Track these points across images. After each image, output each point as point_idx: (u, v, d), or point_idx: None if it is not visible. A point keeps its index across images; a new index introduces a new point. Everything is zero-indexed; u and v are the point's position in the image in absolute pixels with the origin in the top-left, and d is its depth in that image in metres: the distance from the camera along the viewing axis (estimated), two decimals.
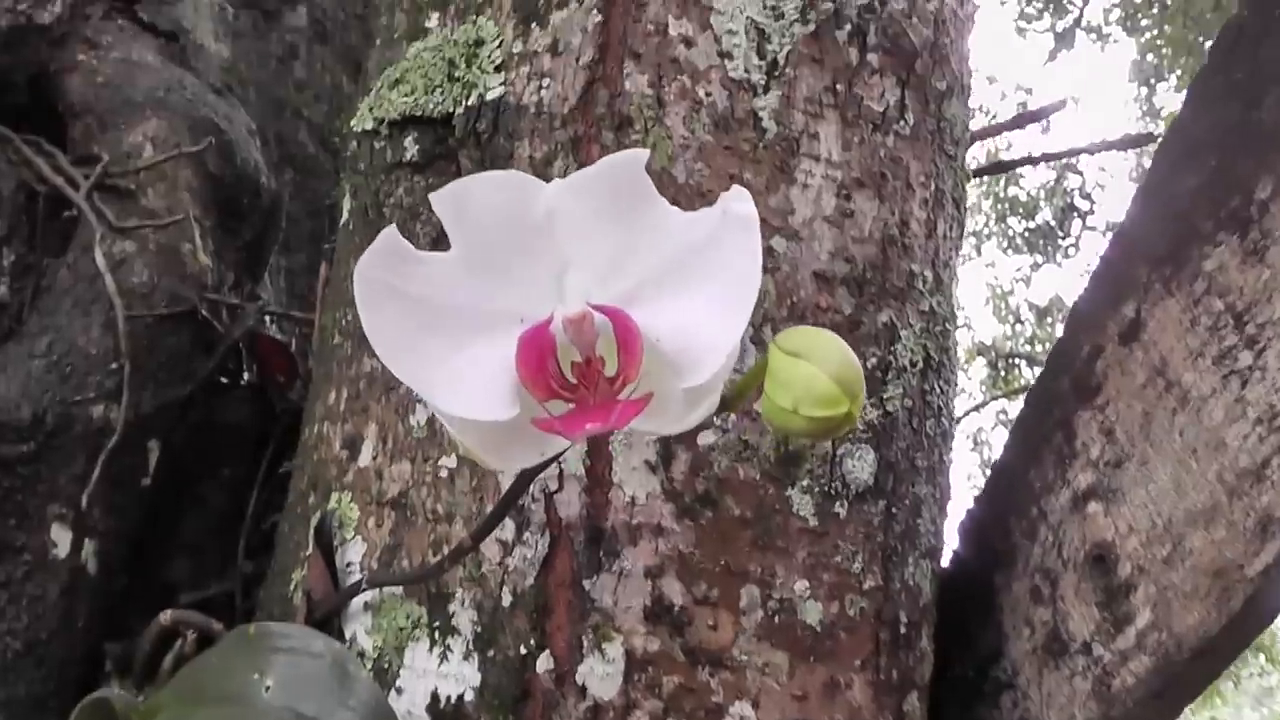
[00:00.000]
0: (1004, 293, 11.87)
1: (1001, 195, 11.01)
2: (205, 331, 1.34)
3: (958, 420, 1.24)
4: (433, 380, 0.62)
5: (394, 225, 0.63)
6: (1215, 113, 0.98)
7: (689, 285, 0.62)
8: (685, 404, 0.63)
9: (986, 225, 11.21)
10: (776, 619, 1.01)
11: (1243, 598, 0.92)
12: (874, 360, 1.09)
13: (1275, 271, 0.89)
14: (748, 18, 1.07)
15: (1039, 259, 11.16)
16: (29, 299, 1.26)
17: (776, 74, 1.07)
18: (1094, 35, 10.52)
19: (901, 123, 1.14)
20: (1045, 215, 10.91)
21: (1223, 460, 0.93)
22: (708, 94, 1.06)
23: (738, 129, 1.05)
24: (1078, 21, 10.14)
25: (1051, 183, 10.82)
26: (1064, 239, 10.76)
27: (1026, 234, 11.08)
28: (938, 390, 1.16)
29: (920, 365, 1.13)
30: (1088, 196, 10.45)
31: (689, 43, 1.06)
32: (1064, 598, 1.09)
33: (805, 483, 1.03)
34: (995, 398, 8.81)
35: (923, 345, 1.13)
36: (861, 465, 1.06)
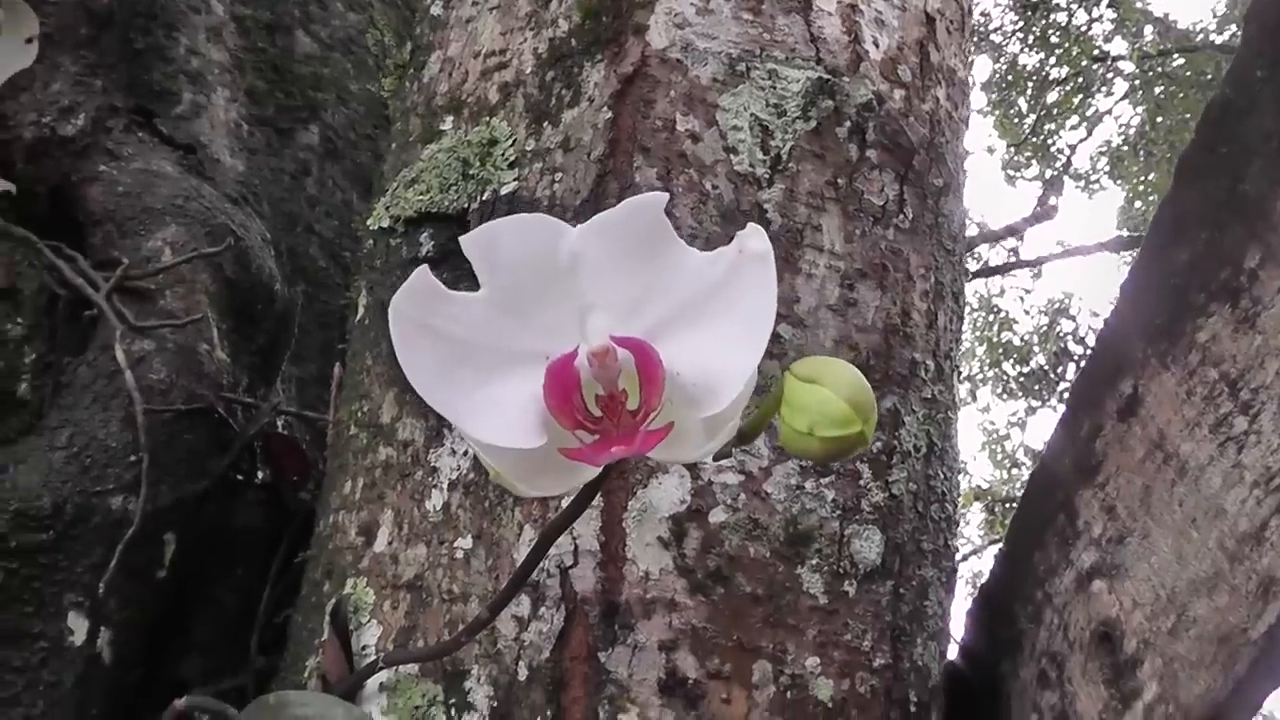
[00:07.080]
0: (1000, 437, 11.91)
1: (995, 340, 11.10)
2: (221, 430, 1.36)
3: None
4: (464, 409, 0.65)
5: (426, 265, 0.65)
6: (1202, 188, 1.02)
7: (707, 320, 0.65)
8: (704, 434, 0.65)
9: (981, 370, 11.28)
10: (789, 695, 1.02)
11: (1248, 662, 0.93)
12: (879, 445, 1.12)
13: (1267, 337, 0.92)
14: (751, 114, 1.12)
15: (1034, 403, 11.21)
16: (49, 396, 1.29)
17: (780, 168, 1.12)
18: (1081, 183, 10.72)
19: (901, 216, 1.18)
20: (1039, 360, 10.98)
21: (1223, 527, 0.95)
22: (714, 187, 1.10)
23: (743, 220, 1.09)
24: (1065, 169, 10.32)
25: (1045, 327, 10.92)
26: (1058, 383, 10.82)
27: (1021, 379, 11.14)
28: (941, 476, 1.19)
29: (924, 451, 1.16)
30: (1081, 340, 10.54)
31: (695, 138, 1.11)
32: (1071, 679, 1.09)
33: (814, 561, 1.05)
34: (993, 542, 8.79)
35: (926, 431, 1.16)
36: (869, 546, 1.08)
